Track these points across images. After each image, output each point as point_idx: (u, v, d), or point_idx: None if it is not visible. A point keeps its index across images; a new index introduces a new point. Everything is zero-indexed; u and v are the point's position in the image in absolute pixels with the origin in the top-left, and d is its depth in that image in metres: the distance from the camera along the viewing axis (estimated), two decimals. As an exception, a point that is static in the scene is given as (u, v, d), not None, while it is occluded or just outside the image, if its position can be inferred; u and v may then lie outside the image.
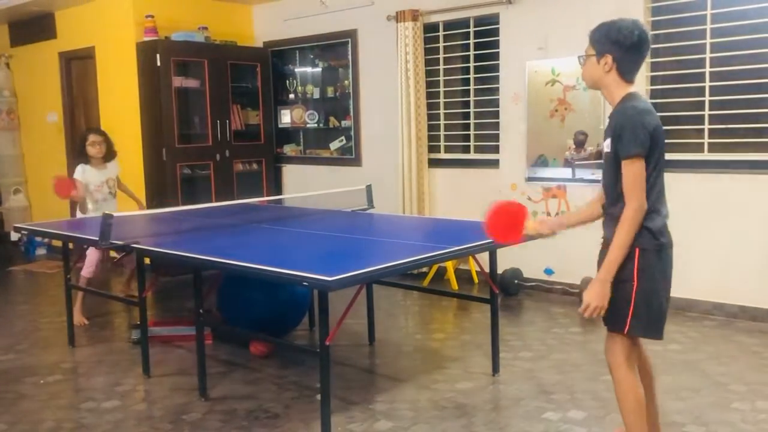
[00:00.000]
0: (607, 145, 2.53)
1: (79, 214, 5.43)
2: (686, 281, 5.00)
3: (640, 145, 2.41)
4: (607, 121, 2.60)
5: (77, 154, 5.36)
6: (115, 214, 3.74)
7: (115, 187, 5.43)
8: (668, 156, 5.04)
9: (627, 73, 2.54)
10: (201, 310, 3.63)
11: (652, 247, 2.48)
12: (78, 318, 5.14)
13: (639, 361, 2.71)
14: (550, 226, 2.89)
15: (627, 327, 2.51)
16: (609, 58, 2.51)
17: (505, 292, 5.61)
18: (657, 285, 2.51)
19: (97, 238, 3.68)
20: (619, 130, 2.45)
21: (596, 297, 2.47)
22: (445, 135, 6.37)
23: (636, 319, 2.50)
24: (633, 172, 2.42)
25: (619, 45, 2.49)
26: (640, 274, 2.48)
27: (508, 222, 2.80)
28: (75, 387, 3.95)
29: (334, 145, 7.24)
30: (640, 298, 2.48)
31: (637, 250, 2.47)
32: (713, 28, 4.82)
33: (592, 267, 5.65)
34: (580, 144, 5.41)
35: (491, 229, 2.85)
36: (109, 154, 5.37)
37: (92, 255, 5.11)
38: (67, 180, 5.39)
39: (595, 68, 2.56)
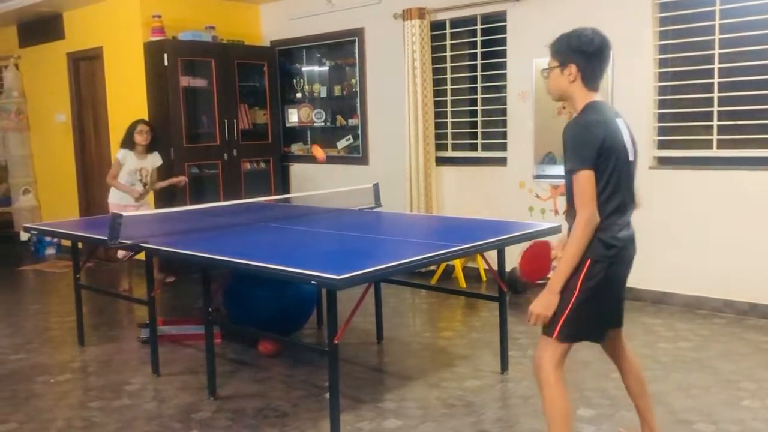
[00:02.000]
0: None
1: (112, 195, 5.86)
2: (696, 278, 5.00)
3: (585, 159, 2.40)
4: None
5: (125, 140, 5.83)
6: (124, 214, 3.75)
7: (147, 178, 5.88)
8: (678, 153, 5.12)
9: (590, 81, 2.55)
10: (210, 309, 3.64)
11: (602, 259, 2.47)
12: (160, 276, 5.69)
13: (626, 368, 2.77)
14: None
15: (556, 332, 2.51)
16: (573, 68, 2.52)
17: (514, 290, 5.60)
18: (598, 297, 2.50)
19: (106, 238, 3.70)
20: (567, 143, 2.48)
21: (541, 307, 2.49)
22: (452, 133, 6.36)
23: (567, 326, 2.50)
24: (580, 184, 2.42)
25: (581, 53, 2.50)
26: (584, 285, 2.47)
27: (539, 263, 2.77)
28: (85, 386, 3.97)
29: (342, 143, 7.24)
30: (576, 307, 2.48)
31: (587, 261, 2.46)
32: (722, 24, 4.79)
33: (600, 264, 5.57)
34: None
35: (527, 276, 2.83)
36: (152, 146, 5.89)
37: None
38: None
39: (560, 79, 2.56)
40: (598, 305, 2.52)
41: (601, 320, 2.60)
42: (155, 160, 5.95)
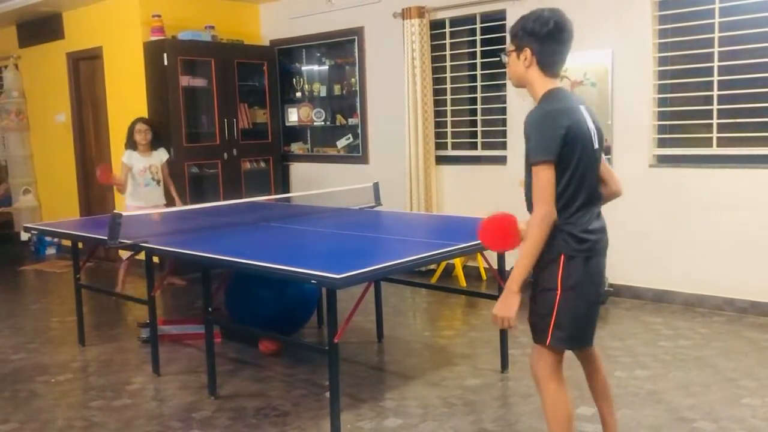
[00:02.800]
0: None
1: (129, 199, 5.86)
2: (696, 277, 5.00)
3: (547, 151, 2.25)
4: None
5: (127, 141, 5.84)
6: (124, 214, 3.75)
7: (158, 174, 5.88)
8: (678, 151, 5.13)
9: (548, 67, 2.38)
10: (210, 309, 3.65)
11: (576, 254, 2.34)
12: (169, 280, 5.86)
13: (591, 377, 2.66)
14: None
15: (549, 338, 2.40)
16: (527, 52, 2.36)
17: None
18: (582, 293, 2.38)
19: (106, 238, 3.70)
20: (528, 134, 2.32)
21: (503, 308, 2.35)
22: (452, 132, 6.36)
23: (558, 329, 2.38)
24: (540, 177, 2.26)
25: (536, 36, 2.34)
26: (564, 284, 2.35)
27: (502, 233, 2.54)
28: (85, 385, 3.97)
29: (341, 143, 7.24)
30: (562, 308, 2.36)
31: (561, 257, 2.34)
32: (721, 22, 4.79)
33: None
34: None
35: (487, 242, 2.61)
36: (156, 143, 5.91)
37: None
38: (108, 166, 5.91)
39: (517, 64, 2.41)
40: (585, 302, 2.40)
41: (589, 318, 2.47)
42: (162, 155, 5.95)
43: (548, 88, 2.38)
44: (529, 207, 2.38)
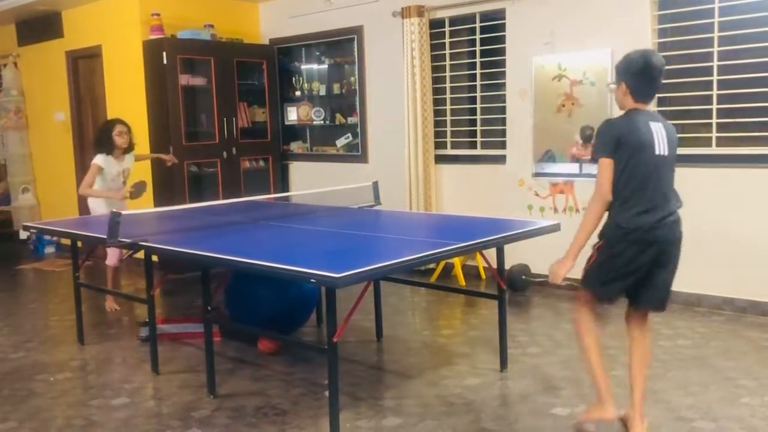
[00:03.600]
0: None
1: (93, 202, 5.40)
2: (695, 276, 4.99)
3: (603, 150, 2.90)
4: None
5: (101, 143, 5.33)
6: (123, 212, 3.75)
7: (127, 178, 5.49)
8: (677, 150, 5.10)
9: (638, 94, 2.98)
10: (209, 308, 3.65)
11: (617, 236, 2.90)
12: (110, 304, 5.47)
13: (633, 332, 3.13)
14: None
15: (586, 284, 3.04)
16: (623, 85, 3.00)
17: (513, 288, 5.60)
18: (615, 260, 2.93)
19: (105, 236, 3.70)
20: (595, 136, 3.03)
21: (556, 266, 2.99)
22: (451, 131, 6.36)
23: (592, 281, 3.02)
24: (599, 169, 2.92)
25: (628, 73, 2.97)
26: (605, 251, 2.95)
27: None
28: (84, 384, 3.97)
29: (341, 142, 7.23)
30: (596, 266, 2.98)
31: (607, 234, 2.94)
32: (721, 22, 4.79)
33: (599, 262, 5.53)
34: (587, 139, 5.40)
35: None
36: (130, 147, 5.45)
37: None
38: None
39: (617, 93, 3.05)
40: (614, 268, 2.94)
41: (615, 281, 2.98)
42: (131, 160, 5.50)
43: (629, 108, 3.01)
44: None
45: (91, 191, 5.30)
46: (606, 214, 2.95)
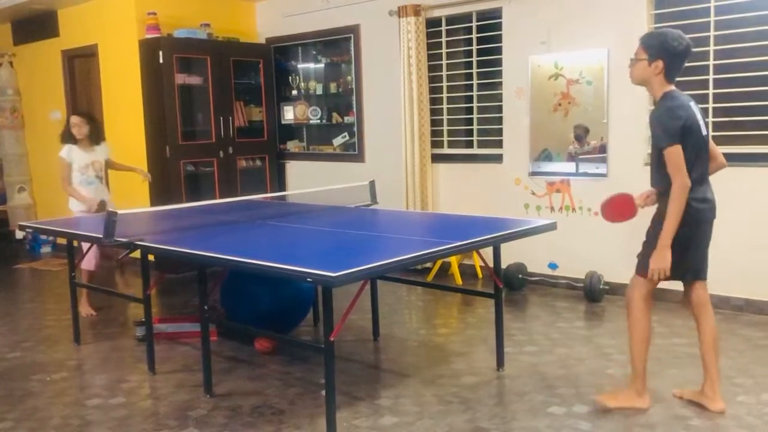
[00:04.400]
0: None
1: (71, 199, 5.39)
2: (691, 275, 5.00)
3: (673, 136, 2.95)
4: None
5: (62, 136, 5.38)
6: (119, 212, 3.74)
7: (102, 171, 5.43)
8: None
9: (671, 75, 3.04)
10: (206, 307, 3.64)
11: (695, 216, 3.04)
12: (85, 309, 5.29)
13: (702, 320, 3.25)
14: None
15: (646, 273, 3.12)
16: (660, 63, 3.00)
17: (510, 287, 5.61)
18: (683, 245, 3.07)
19: (101, 236, 3.69)
20: (654, 126, 3.03)
21: (658, 261, 3.05)
22: (448, 130, 6.36)
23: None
24: (671, 158, 2.97)
25: (669, 52, 2.98)
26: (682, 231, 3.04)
27: (622, 208, 3.39)
28: (81, 384, 3.96)
29: (337, 141, 7.23)
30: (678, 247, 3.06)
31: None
32: (717, 20, 4.80)
33: (595, 262, 5.66)
34: (579, 138, 5.41)
35: (610, 217, 3.44)
36: (96, 137, 5.39)
37: (91, 247, 5.07)
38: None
39: (646, 70, 3.05)
40: (690, 249, 3.11)
41: (684, 266, 3.14)
42: (106, 150, 5.48)
43: (666, 90, 3.04)
44: (653, 182, 3.19)
45: (70, 189, 5.32)
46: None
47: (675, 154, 2.96)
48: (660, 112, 3.01)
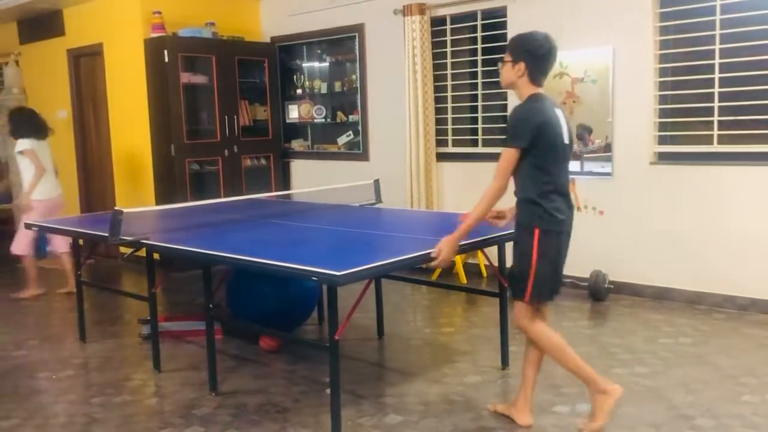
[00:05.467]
0: None
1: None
2: (696, 274, 5.00)
3: (517, 138, 2.88)
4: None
5: (27, 129, 5.81)
6: (125, 210, 3.75)
7: (17, 171, 5.78)
8: (679, 148, 5.13)
9: (535, 78, 2.97)
10: (211, 306, 3.65)
11: (549, 228, 2.92)
12: (30, 292, 5.65)
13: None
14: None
15: (528, 296, 2.99)
16: (522, 65, 2.95)
17: (514, 286, 5.59)
18: (550, 261, 2.96)
19: (107, 234, 3.70)
20: (509, 123, 2.97)
21: (447, 251, 2.98)
22: (452, 129, 6.35)
23: (535, 288, 2.98)
24: (503, 158, 2.93)
25: (531, 54, 2.94)
26: (539, 250, 2.93)
27: None
28: (86, 382, 3.98)
29: (342, 139, 7.23)
30: (538, 271, 2.95)
31: (536, 230, 2.92)
32: (723, 19, 4.78)
33: (600, 261, 5.64)
34: (581, 138, 5.40)
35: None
36: (12, 132, 5.85)
37: (26, 232, 5.21)
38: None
39: (510, 72, 2.99)
40: (552, 266, 2.98)
41: (555, 281, 3.05)
42: (16, 148, 5.85)
43: (531, 92, 2.97)
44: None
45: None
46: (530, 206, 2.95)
47: (507, 158, 2.89)
48: (516, 111, 2.94)
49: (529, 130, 2.84)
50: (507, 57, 2.99)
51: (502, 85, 3.10)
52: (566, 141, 2.98)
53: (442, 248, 2.97)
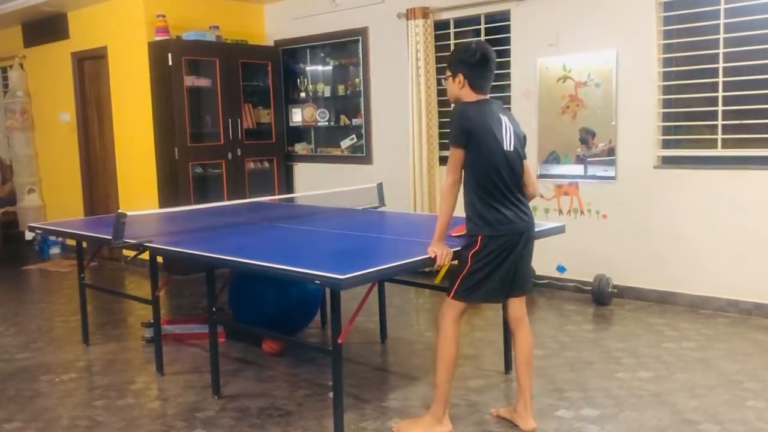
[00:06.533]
0: None
1: None
2: (700, 278, 4.99)
3: (457, 139, 2.94)
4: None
5: None
6: (128, 213, 3.75)
7: None
8: (682, 152, 5.12)
9: (477, 86, 3.02)
10: (214, 309, 3.65)
11: (489, 234, 2.97)
12: None
13: (516, 339, 3.24)
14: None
15: (452, 292, 3.07)
16: (460, 76, 3.02)
17: (517, 290, 5.58)
18: (488, 264, 3.01)
19: (110, 237, 3.71)
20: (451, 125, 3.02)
21: (439, 254, 3.05)
22: (456, 132, 6.34)
23: (461, 286, 3.06)
24: (451, 157, 3.00)
25: (466, 64, 3.00)
26: (476, 252, 3.01)
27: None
28: (89, 385, 3.98)
29: (345, 143, 7.24)
30: (469, 272, 3.03)
31: (479, 237, 2.99)
32: (726, 23, 4.78)
33: (604, 264, 5.63)
34: (584, 141, 5.40)
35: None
36: None
37: None
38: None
39: (453, 86, 3.06)
40: (489, 270, 3.02)
41: (490, 287, 3.07)
42: None
43: (474, 100, 3.02)
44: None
45: None
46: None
47: (453, 157, 2.98)
48: (453, 113, 3.00)
49: (460, 131, 2.93)
50: (447, 73, 3.08)
51: (450, 100, 3.15)
52: (507, 148, 2.99)
53: (434, 251, 3.05)
